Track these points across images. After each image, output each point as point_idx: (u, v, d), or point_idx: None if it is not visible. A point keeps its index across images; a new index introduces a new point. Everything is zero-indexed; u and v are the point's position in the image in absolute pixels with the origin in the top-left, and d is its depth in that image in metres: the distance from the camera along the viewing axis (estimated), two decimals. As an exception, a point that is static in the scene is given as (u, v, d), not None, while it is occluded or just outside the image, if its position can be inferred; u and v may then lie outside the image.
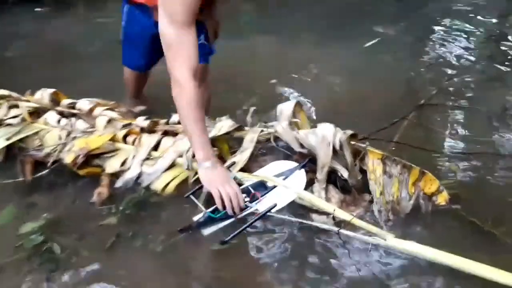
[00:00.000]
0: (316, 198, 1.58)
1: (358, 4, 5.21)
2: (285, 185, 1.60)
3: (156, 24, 1.49)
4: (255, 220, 1.50)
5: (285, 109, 1.80)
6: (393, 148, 1.82)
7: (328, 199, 1.61)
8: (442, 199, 1.64)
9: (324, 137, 1.63)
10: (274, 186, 1.61)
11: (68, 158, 1.76)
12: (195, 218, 1.54)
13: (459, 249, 1.39)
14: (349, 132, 1.68)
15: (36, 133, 1.97)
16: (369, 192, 1.65)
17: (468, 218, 1.57)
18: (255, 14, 4.86)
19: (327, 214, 1.56)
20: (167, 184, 1.70)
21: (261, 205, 1.55)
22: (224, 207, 1.49)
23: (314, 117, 2.40)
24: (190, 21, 1.44)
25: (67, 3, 4.47)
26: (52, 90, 2.13)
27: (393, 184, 1.65)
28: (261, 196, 1.57)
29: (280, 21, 4.44)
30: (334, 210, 1.52)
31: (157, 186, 1.70)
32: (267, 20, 4.52)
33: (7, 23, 3.91)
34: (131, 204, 1.63)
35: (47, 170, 1.78)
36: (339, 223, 1.52)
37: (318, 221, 1.56)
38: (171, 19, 1.42)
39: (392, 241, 1.45)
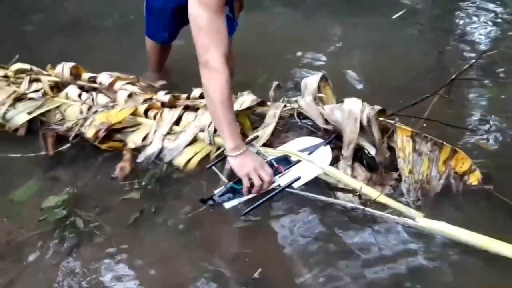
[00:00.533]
0: (342, 174, 1.54)
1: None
2: (310, 160, 1.55)
3: None
4: (278, 192, 1.46)
5: (310, 83, 1.73)
6: (424, 125, 1.74)
7: (354, 177, 1.56)
8: (474, 178, 1.57)
9: (351, 112, 1.56)
10: (298, 161, 1.56)
11: (89, 133, 1.74)
12: (217, 190, 1.52)
13: (490, 230, 1.35)
14: (377, 107, 1.61)
15: (58, 107, 1.96)
16: (397, 171, 1.59)
17: (501, 198, 1.50)
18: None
19: (353, 192, 1.52)
20: (190, 160, 1.68)
21: (284, 180, 1.51)
22: (249, 192, 1.47)
23: (339, 92, 2.31)
24: (222, 4, 1.39)
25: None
26: (72, 64, 2.10)
27: (423, 162, 1.59)
28: (285, 170, 1.52)
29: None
30: (361, 188, 1.48)
31: (180, 161, 1.68)
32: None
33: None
34: (154, 180, 1.60)
35: (69, 144, 1.77)
36: (365, 202, 1.48)
37: (343, 199, 1.52)
38: (202, 1, 1.37)
39: (421, 221, 1.41)
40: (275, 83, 1.82)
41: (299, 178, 1.49)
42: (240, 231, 1.47)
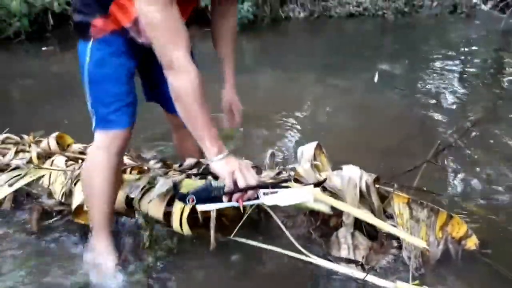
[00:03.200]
0: (332, 199, 1.49)
1: (359, 42, 5.32)
2: (300, 186, 1.49)
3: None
4: (265, 186, 1.36)
5: (306, 150, 1.76)
6: (420, 189, 1.76)
7: (355, 246, 1.55)
8: (471, 243, 1.58)
9: (350, 179, 1.58)
10: (288, 187, 1.48)
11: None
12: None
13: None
14: (374, 175, 1.64)
15: (42, 176, 1.90)
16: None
17: (497, 267, 1.50)
18: (257, 50, 4.92)
19: (355, 262, 1.50)
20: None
21: (268, 199, 1.38)
22: (235, 190, 1.30)
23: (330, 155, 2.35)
24: None
25: (73, 42, 4.52)
26: (56, 134, 2.09)
27: (421, 229, 1.59)
28: (272, 189, 1.39)
29: (283, 58, 4.49)
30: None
31: (175, 225, 1.61)
32: (269, 57, 4.58)
33: (15, 61, 3.92)
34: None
35: (58, 217, 1.71)
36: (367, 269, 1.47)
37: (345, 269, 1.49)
38: None
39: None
40: (269, 152, 1.84)
41: (289, 180, 1.45)
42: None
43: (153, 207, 1.63)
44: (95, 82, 1.47)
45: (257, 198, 1.36)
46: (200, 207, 1.37)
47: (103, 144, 1.49)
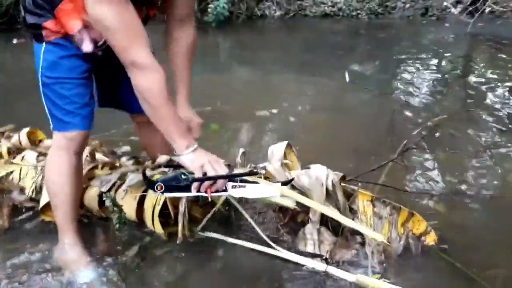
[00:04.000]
0: (298, 195, 1.53)
1: (333, 41, 5.42)
2: (268, 183, 1.52)
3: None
4: (234, 176, 1.39)
5: (276, 150, 1.81)
6: (384, 185, 1.85)
7: (320, 242, 1.62)
8: (430, 239, 1.67)
9: (317, 178, 1.64)
10: (256, 182, 1.49)
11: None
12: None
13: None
14: (340, 174, 1.71)
15: (12, 172, 1.90)
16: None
17: (453, 262, 1.59)
18: (232, 47, 4.95)
19: (321, 256, 1.57)
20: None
21: (236, 192, 1.44)
22: (204, 177, 1.33)
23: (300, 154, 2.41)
24: None
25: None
26: (27, 129, 2.08)
27: (383, 225, 1.67)
28: (240, 182, 1.43)
29: (258, 55, 4.54)
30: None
31: (148, 223, 1.65)
32: (244, 54, 4.61)
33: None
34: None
35: (30, 213, 1.72)
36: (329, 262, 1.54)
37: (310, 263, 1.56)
38: None
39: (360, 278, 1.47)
40: (241, 150, 1.88)
41: (256, 174, 1.46)
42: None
43: (125, 204, 1.66)
44: (48, 85, 1.45)
45: (225, 190, 1.40)
46: (168, 195, 1.40)
47: (61, 145, 1.49)
